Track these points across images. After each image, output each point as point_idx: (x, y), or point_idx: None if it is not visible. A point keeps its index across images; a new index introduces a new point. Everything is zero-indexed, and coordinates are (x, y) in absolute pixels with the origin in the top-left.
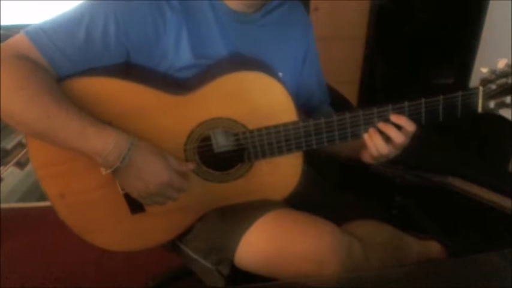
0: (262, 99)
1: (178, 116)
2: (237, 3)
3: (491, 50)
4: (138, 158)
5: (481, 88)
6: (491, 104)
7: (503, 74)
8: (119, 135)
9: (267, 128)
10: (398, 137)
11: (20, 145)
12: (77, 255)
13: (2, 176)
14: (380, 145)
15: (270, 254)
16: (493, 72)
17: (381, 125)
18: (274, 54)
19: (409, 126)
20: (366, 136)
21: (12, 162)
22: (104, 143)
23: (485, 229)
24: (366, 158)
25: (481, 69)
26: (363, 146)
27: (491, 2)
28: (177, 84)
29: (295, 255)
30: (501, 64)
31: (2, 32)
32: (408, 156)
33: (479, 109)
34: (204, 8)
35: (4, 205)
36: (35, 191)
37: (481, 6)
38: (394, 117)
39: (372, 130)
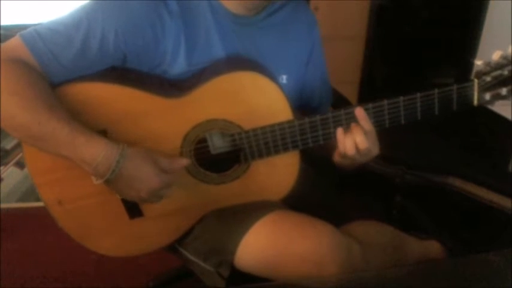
0: (257, 99)
1: (173, 118)
2: (236, 5)
3: (491, 50)
4: (128, 169)
5: (475, 81)
6: (487, 96)
7: (498, 66)
8: (109, 146)
9: (262, 127)
10: (362, 142)
11: (20, 145)
12: (77, 255)
13: (2, 176)
14: (349, 146)
15: (269, 256)
16: (487, 64)
17: (352, 127)
18: (276, 56)
19: (366, 125)
20: (338, 134)
21: (12, 162)
22: (93, 153)
23: (485, 229)
24: (335, 158)
25: (475, 62)
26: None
27: (491, 2)
28: (171, 86)
29: (294, 256)
30: (496, 56)
31: (2, 32)
32: (408, 156)
33: (475, 102)
34: (203, 10)
35: (4, 205)
36: (35, 191)
37: (481, 6)
38: (357, 111)
39: (339, 131)
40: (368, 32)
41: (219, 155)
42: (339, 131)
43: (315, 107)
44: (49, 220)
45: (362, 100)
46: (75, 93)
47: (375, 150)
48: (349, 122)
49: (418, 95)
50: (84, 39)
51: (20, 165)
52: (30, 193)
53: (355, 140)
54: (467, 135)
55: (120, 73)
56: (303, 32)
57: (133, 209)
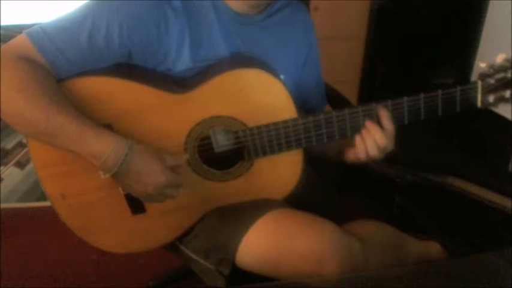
0: (261, 96)
1: (178, 114)
2: (239, 4)
3: (491, 50)
4: (136, 163)
5: (479, 82)
6: (491, 99)
7: (502, 69)
8: (117, 140)
9: (266, 125)
10: (381, 140)
11: (20, 145)
12: (77, 255)
13: (2, 176)
14: (371, 147)
15: (270, 254)
16: (491, 67)
17: (368, 125)
18: (275, 56)
19: (387, 124)
20: (357, 138)
21: (12, 162)
22: (102, 147)
23: (485, 229)
24: (351, 157)
25: (479, 64)
26: (347, 146)
27: (491, 2)
28: (176, 83)
29: (295, 254)
30: (499, 59)
31: (2, 32)
32: (408, 156)
33: (479, 104)
34: (207, 9)
35: (4, 205)
36: (35, 191)
37: (481, 6)
38: (381, 112)
39: (358, 138)
40: (368, 32)
41: (222, 152)
42: (357, 137)
43: (310, 109)
44: (49, 220)
45: (362, 100)
46: (80, 88)
47: (391, 146)
48: (352, 121)
49: (422, 95)
50: (90, 35)
51: (20, 165)
52: (30, 193)
53: (375, 139)
54: (468, 135)
55: (126, 68)
56: (301, 34)
57: (136, 205)
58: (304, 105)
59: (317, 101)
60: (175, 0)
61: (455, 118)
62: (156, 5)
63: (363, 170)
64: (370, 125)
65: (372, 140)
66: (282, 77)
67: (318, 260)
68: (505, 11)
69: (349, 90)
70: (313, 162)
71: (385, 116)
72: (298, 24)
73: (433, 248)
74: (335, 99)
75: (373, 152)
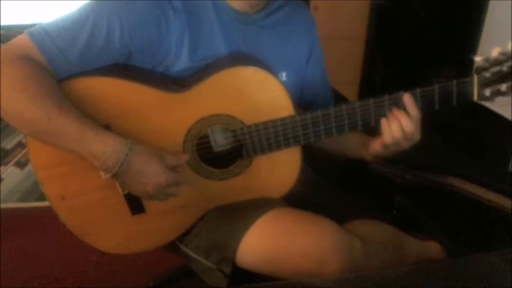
0: (259, 94)
1: (176, 113)
2: (240, 3)
3: (491, 50)
4: (136, 162)
5: (475, 76)
6: (487, 92)
7: (497, 62)
8: (117, 140)
9: (264, 123)
10: (408, 125)
11: (20, 145)
12: (77, 255)
13: (2, 176)
14: (395, 129)
15: (271, 253)
16: (486, 60)
17: (395, 112)
18: (276, 54)
19: (412, 110)
20: (383, 121)
21: (12, 162)
22: (103, 147)
23: (485, 229)
24: (376, 147)
25: (475, 58)
26: (367, 142)
27: (491, 2)
28: (174, 82)
29: (296, 253)
30: (495, 52)
31: (2, 32)
32: (408, 156)
33: (475, 97)
34: (207, 8)
35: (4, 205)
36: (35, 191)
37: (481, 6)
38: (406, 97)
39: (384, 121)
40: (368, 32)
41: (221, 150)
42: (383, 121)
43: (319, 107)
44: (49, 220)
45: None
46: (79, 88)
47: (418, 136)
48: (351, 117)
49: (418, 90)
50: (90, 35)
51: (20, 165)
52: (30, 193)
53: (400, 123)
54: (467, 135)
55: (124, 68)
56: (302, 32)
57: (135, 205)
58: (312, 103)
59: (325, 98)
60: (176, 0)
61: (455, 118)
62: (156, 5)
63: (363, 170)
64: (395, 111)
65: (397, 125)
66: (284, 73)
67: (319, 259)
68: (505, 11)
69: (349, 90)
70: (313, 162)
71: (410, 102)
72: (299, 23)
73: (433, 248)
74: (335, 99)
75: (398, 135)
